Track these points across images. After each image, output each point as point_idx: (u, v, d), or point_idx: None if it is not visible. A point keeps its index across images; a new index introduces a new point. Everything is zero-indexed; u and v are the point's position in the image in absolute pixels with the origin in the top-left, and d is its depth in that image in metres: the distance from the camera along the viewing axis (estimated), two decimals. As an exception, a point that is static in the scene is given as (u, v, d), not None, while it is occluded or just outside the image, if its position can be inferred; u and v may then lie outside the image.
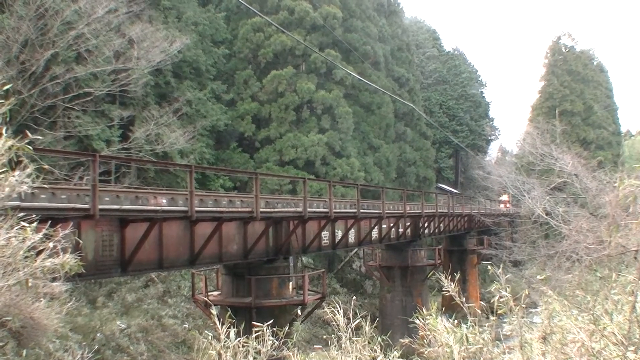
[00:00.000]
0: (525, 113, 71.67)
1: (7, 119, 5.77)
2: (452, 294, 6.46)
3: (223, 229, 14.11)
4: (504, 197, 55.87)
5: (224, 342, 5.86)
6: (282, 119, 36.97)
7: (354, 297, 11.90)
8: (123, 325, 22.43)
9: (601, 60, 72.21)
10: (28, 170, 5.83)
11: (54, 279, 6.24)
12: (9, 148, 5.59)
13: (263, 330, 6.05)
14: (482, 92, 76.05)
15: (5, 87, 6.10)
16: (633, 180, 6.67)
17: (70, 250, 6.28)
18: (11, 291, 6.66)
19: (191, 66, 32.44)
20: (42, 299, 11.00)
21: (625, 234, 10.36)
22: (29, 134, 6.38)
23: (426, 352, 6.12)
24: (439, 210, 31.23)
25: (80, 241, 9.50)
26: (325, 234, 19.83)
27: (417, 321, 6.32)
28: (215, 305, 16.47)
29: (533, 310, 11.06)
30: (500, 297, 5.92)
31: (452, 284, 6.51)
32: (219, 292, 17.81)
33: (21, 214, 5.90)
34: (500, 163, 70.53)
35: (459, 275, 8.95)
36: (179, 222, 12.91)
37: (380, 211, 22.19)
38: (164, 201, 11.66)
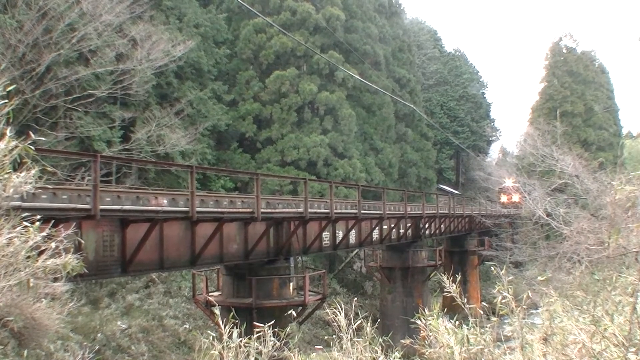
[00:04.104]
0: (526, 114, 71.60)
1: (11, 120, 5.79)
2: (454, 294, 6.47)
3: (224, 230, 14.13)
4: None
5: (226, 342, 5.87)
6: (284, 120, 36.98)
7: (355, 298, 11.93)
8: (124, 326, 22.44)
9: (602, 61, 72.15)
10: (33, 172, 5.84)
11: (55, 279, 6.25)
12: (13, 149, 5.61)
13: (264, 331, 6.06)
14: (483, 93, 76.04)
15: (9, 88, 6.12)
16: (629, 186, 6.69)
17: (72, 251, 6.29)
18: (12, 291, 6.67)
19: (193, 67, 32.45)
20: (43, 299, 11.02)
21: (625, 235, 10.36)
22: (32, 135, 6.40)
23: (427, 353, 6.12)
24: (439, 211, 31.24)
25: (82, 241, 9.51)
26: (326, 235, 19.85)
27: (418, 322, 6.32)
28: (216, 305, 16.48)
29: (534, 311, 11.06)
30: (503, 298, 5.92)
31: (453, 284, 6.52)
32: (220, 293, 17.83)
33: (23, 214, 5.92)
34: (501, 164, 70.42)
35: (459, 276, 8.97)
36: (179, 222, 12.92)
37: (381, 212, 22.19)
38: (165, 202, 11.68)
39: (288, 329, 6.38)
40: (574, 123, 60.61)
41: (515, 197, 51.49)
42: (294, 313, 14.54)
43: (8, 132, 5.68)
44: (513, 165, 48.68)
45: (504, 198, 55.67)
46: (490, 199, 51.02)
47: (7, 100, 5.83)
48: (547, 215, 23.17)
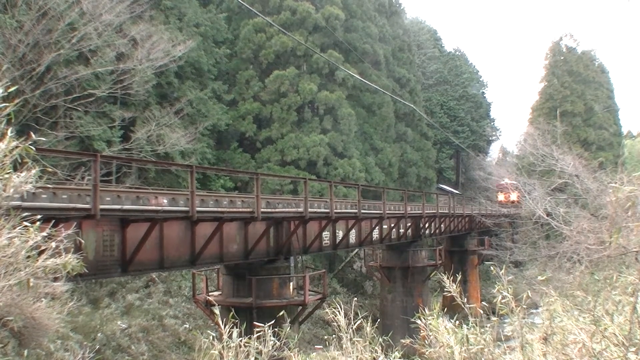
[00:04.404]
0: (526, 114, 71.69)
1: (14, 122, 5.80)
2: (453, 294, 6.47)
3: (224, 229, 14.13)
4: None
5: (226, 342, 5.87)
6: (284, 120, 36.97)
7: (355, 298, 11.91)
8: (124, 325, 22.44)
9: (602, 61, 72.18)
10: (33, 172, 5.85)
11: (55, 279, 6.25)
12: (13, 149, 5.61)
13: (264, 331, 6.06)
14: (483, 92, 76.06)
15: (11, 90, 6.13)
16: (630, 186, 6.69)
17: (72, 250, 6.29)
18: (13, 291, 6.67)
19: (193, 66, 32.44)
20: (43, 299, 11.02)
21: (626, 235, 10.35)
22: (33, 136, 6.40)
23: (427, 353, 6.12)
24: (439, 211, 31.23)
25: (82, 241, 9.52)
26: (326, 235, 19.84)
27: (418, 321, 6.32)
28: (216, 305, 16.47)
29: (534, 311, 11.07)
30: (502, 298, 5.92)
31: (453, 284, 6.52)
32: (220, 293, 17.83)
33: (23, 214, 5.92)
34: (501, 164, 70.47)
35: (460, 276, 8.97)
36: (179, 222, 12.92)
37: (381, 211, 22.18)
38: (165, 201, 11.67)
39: (288, 330, 6.37)
40: (574, 123, 60.63)
41: (513, 196, 51.37)
42: (285, 315, 14.55)
43: (9, 132, 5.69)
44: (513, 165, 48.68)
45: (501, 196, 55.44)
46: (490, 198, 51.09)
47: (7, 104, 5.83)
48: (547, 215, 23.18)
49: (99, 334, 20.98)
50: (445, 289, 6.72)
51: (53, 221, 7.28)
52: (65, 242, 6.17)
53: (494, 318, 6.26)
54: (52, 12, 22.22)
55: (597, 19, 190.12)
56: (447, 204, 35.36)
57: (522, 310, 5.93)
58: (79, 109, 23.62)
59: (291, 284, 17.36)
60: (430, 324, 6.13)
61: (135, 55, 25.19)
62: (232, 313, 6.74)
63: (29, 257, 5.64)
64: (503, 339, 6.38)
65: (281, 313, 8.80)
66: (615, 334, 5.04)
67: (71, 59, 23.54)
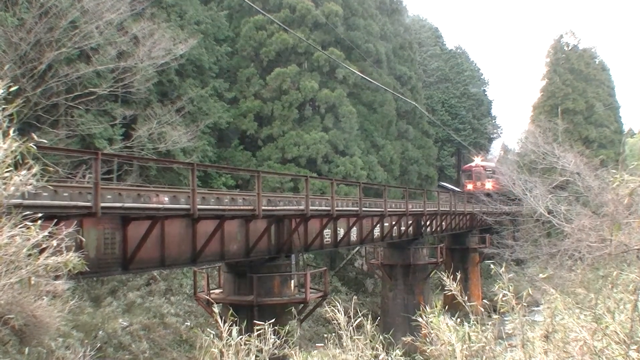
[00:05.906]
0: (527, 111, 71.66)
1: (15, 121, 5.82)
2: (455, 292, 6.47)
3: (225, 227, 14.13)
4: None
5: (226, 340, 5.87)
6: (285, 117, 36.96)
7: (355, 296, 11.92)
8: (125, 323, 22.46)
9: (603, 58, 71.84)
10: (34, 170, 5.85)
11: (56, 277, 6.26)
12: (15, 149, 5.61)
13: (265, 329, 6.06)
14: (484, 90, 75.93)
15: (12, 89, 6.13)
16: (635, 177, 6.67)
17: (73, 249, 6.30)
18: (14, 289, 6.68)
19: (194, 64, 32.46)
20: (44, 297, 11.03)
21: (627, 233, 10.35)
22: (35, 136, 6.41)
23: (428, 351, 6.12)
24: (440, 209, 31.21)
25: (83, 239, 9.52)
26: (327, 232, 19.84)
27: (419, 319, 6.32)
28: (217, 303, 16.50)
29: (535, 308, 11.07)
30: (503, 296, 5.92)
31: (454, 282, 6.52)
32: (221, 290, 17.84)
33: (24, 212, 5.92)
34: (502, 161, 70.37)
35: (461, 273, 8.98)
36: (181, 220, 12.92)
37: (382, 209, 22.18)
38: (166, 199, 11.66)
39: (287, 327, 6.37)
40: (575, 120, 60.45)
41: (489, 184, 50.65)
42: (294, 311, 14.55)
43: (12, 132, 5.70)
44: (514, 163, 48.70)
45: (469, 185, 54.67)
46: (490, 196, 51.01)
47: (9, 105, 5.84)
48: (549, 213, 23.16)
49: (100, 332, 21.00)
50: (447, 287, 6.72)
51: (54, 219, 7.28)
52: (67, 240, 6.17)
53: (495, 316, 6.27)
54: (54, 10, 22.21)
55: (598, 17, 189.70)
56: (448, 202, 35.32)
57: (523, 308, 5.93)
58: (80, 107, 23.62)
59: (292, 281, 17.36)
60: (431, 321, 6.13)
61: (136, 53, 25.19)
62: (230, 311, 6.75)
63: (30, 255, 5.64)
64: (504, 337, 6.38)
65: (289, 309, 8.75)
66: (616, 332, 5.04)
67: (72, 57, 23.55)
